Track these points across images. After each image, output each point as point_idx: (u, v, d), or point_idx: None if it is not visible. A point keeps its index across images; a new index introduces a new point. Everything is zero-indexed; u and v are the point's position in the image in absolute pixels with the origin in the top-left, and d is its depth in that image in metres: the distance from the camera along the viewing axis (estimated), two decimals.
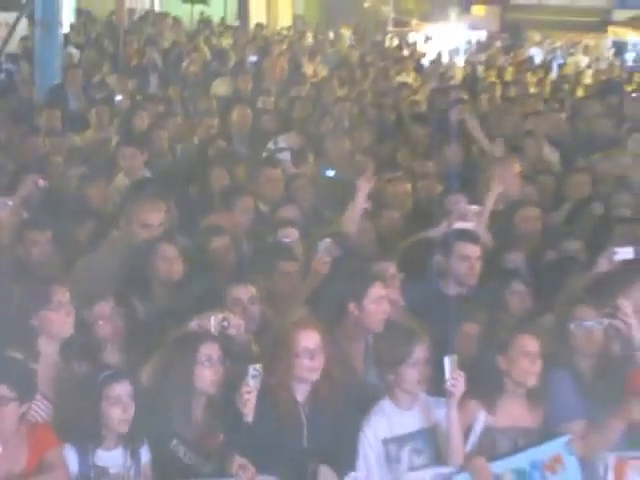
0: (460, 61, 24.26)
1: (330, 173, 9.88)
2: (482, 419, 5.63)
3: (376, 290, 6.05)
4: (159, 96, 14.34)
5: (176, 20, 24.91)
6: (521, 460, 5.58)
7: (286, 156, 10.41)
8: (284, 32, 28.11)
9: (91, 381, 5.25)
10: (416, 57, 23.23)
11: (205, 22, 27.44)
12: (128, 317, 6.00)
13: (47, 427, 5.24)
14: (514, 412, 5.72)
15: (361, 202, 7.79)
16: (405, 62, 21.28)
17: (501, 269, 7.37)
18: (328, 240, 6.73)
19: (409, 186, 9.11)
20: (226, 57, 19.08)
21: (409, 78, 18.58)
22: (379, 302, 6.03)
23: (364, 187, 7.78)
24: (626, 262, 6.76)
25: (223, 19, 30.49)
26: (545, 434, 5.75)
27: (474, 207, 7.67)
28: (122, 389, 5.18)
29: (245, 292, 6.18)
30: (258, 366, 5.25)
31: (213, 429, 5.36)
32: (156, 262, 6.63)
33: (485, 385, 5.66)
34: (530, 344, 5.68)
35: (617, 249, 6.78)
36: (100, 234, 7.47)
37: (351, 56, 21.38)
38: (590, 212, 8.64)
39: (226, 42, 23.18)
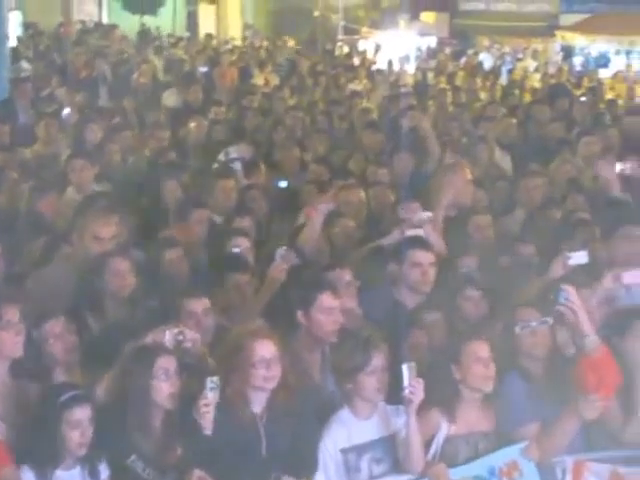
0: (410, 68, 24.37)
1: (283, 184, 9.86)
2: (444, 428, 5.63)
3: (324, 300, 6.01)
4: (109, 108, 14.24)
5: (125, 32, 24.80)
6: (479, 467, 5.59)
7: (237, 166, 10.38)
8: (234, 42, 28.09)
9: (49, 402, 5.19)
10: (366, 65, 23.30)
11: (153, 33, 27.34)
12: (80, 334, 5.93)
13: (1, 446, 5.17)
14: (471, 418, 5.74)
15: (318, 225, 7.74)
16: (356, 70, 21.35)
17: (455, 275, 7.37)
18: (285, 248, 6.71)
19: (362, 194, 9.09)
20: (176, 68, 19.05)
21: (360, 86, 18.62)
22: (328, 312, 5.99)
23: (322, 209, 7.73)
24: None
25: (172, 30, 30.41)
26: (501, 438, 5.76)
27: (427, 214, 7.66)
28: (83, 413, 5.14)
29: (199, 304, 6.13)
30: (215, 378, 5.23)
31: (171, 443, 5.32)
32: (108, 276, 6.56)
33: (442, 393, 5.66)
34: (481, 350, 5.70)
35: (571, 254, 6.79)
36: (52, 249, 7.39)
37: (302, 65, 21.40)
38: (546, 216, 8.67)
39: (176, 53, 23.12)
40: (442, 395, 5.65)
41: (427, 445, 5.58)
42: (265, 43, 28.98)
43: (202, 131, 12.09)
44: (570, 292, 5.78)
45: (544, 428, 5.75)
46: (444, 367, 5.72)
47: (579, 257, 6.73)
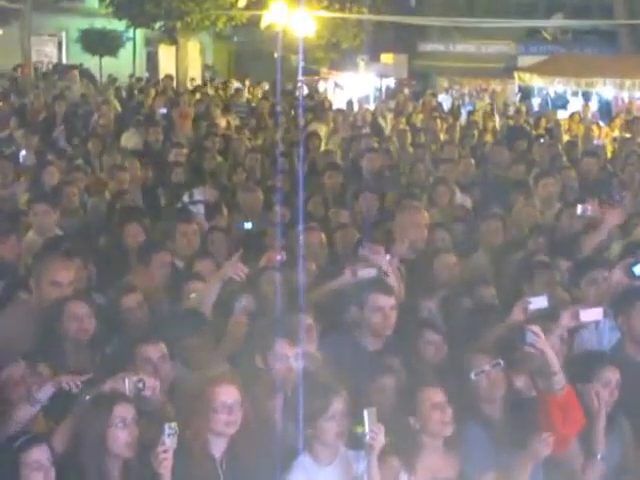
0: (370, 109, 24.49)
1: (247, 225, 9.81)
2: (404, 477, 5.60)
3: (279, 347, 6.00)
4: (68, 151, 14.17)
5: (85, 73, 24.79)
6: None
7: (199, 209, 10.33)
8: (194, 83, 28.13)
9: (7, 447, 5.09)
10: (326, 106, 23.39)
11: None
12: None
13: None
14: (434, 464, 5.71)
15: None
16: (315, 111, 21.41)
17: (415, 319, 7.36)
18: (244, 298, 6.67)
19: (323, 236, 9.08)
20: (136, 109, 19.03)
21: (320, 127, 18.67)
22: (284, 359, 5.97)
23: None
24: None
25: (132, 70, 30.43)
26: None
27: (386, 256, 7.65)
28: (41, 454, 5.05)
29: (155, 351, 6.07)
30: (173, 424, 5.17)
31: None
32: (66, 321, 6.49)
33: (402, 442, 5.63)
34: (436, 396, 5.68)
35: (531, 299, 6.80)
36: (10, 295, 7.31)
37: (262, 106, 21.45)
38: (506, 259, 8.69)
39: (136, 94, 23.11)
40: (402, 444, 5.62)
41: None
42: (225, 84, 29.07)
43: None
44: (536, 332, 5.80)
45: (503, 473, 5.73)
46: (402, 415, 5.69)
47: (539, 302, 6.74)
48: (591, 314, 6.34)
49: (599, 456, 5.96)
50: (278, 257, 7.98)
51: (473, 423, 5.87)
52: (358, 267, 7.38)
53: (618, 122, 21.55)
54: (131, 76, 29.38)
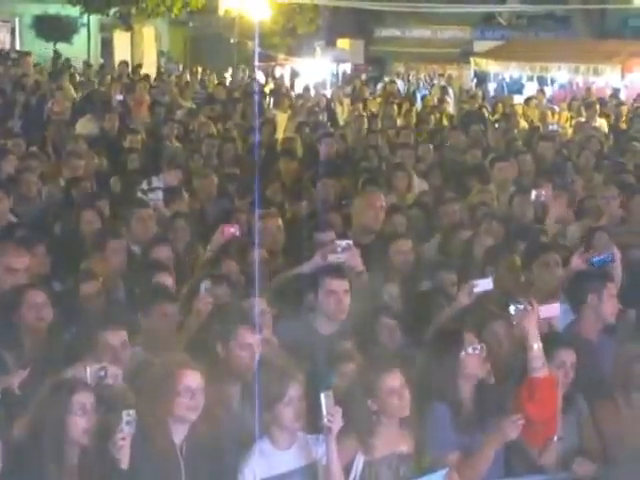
0: (327, 94, 24.47)
1: None
2: (361, 456, 5.65)
3: (241, 335, 6.01)
4: (24, 137, 14.05)
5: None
6: None
7: (158, 196, 10.28)
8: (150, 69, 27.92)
9: None
10: (283, 91, 23.35)
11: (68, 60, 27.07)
12: None
13: None
14: (390, 439, 5.75)
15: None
16: (272, 97, 21.38)
17: (373, 303, 7.40)
18: (209, 281, 6.68)
19: (280, 222, 9.09)
20: (91, 96, 18.88)
21: (277, 113, 18.65)
22: (246, 347, 5.99)
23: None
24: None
25: (87, 57, 30.18)
26: (422, 464, 5.78)
27: (346, 241, 7.68)
28: None
29: (116, 337, 6.06)
30: (132, 411, 5.18)
31: (88, 479, 5.25)
32: (24, 310, 6.46)
33: (360, 422, 5.66)
34: (395, 381, 5.70)
35: (477, 282, 6.91)
36: None
37: (219, 92, 21.37)
38: (461, 241, 8.75)
39: (91, 80, 22.92)
40: (359, 425, 5.66)
41: (346, 471, 5.58)
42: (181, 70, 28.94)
43: None
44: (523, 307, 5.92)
45: (466, 455, 5.80)
46: (360, 397, 5.72)
47: (484, 284, 6.87)
48: (549, 310, 6.45)
49: (556, 437, 6.02)
50: (232, 230, 8.00)
51: (439, 403, 5.91)
52: (328, 251, 7.43)
53: (575, 105, 21.68)
54: (85, 62, 29.11)
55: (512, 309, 5.98)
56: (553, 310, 6.48)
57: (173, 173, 11.22)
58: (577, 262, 7.55)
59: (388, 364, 5.86)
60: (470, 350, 5.96)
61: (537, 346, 5.93)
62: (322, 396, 5.42)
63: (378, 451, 5.70)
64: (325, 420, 5.41)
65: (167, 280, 7.32)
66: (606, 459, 6.14)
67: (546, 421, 5.89)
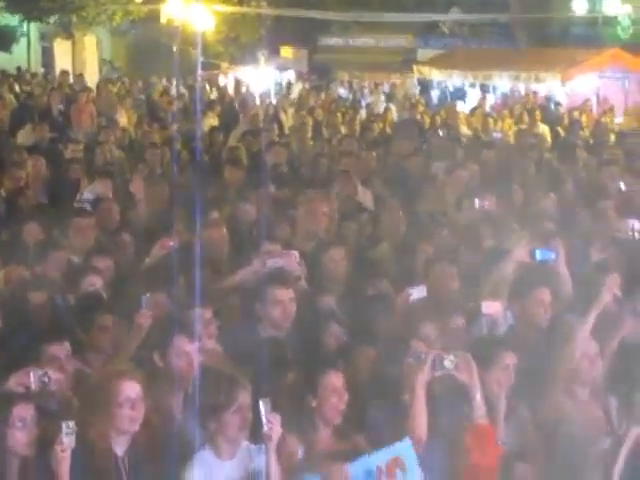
0: (271, 102, 24.47)
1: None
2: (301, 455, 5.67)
3: (178, 344, 6.01)
4: None
5: None
6: (367, 462, 5.54)
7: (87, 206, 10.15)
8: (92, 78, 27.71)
9: None
10: (227, 100, 23.30)
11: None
12: None
13: None
14: (328, 439, 5.81)
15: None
16: (215, 105, 21.31)
17: (317, 310, 7.40)
18: (149, 295, 6.64)
19: (224, 230, 9.03)
20: (30, 105, 18.72)
21: (220, 121, 18.59)
22: (183, 355, 5.98)
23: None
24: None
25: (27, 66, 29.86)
26: None
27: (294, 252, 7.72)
28: None
29: (61, 349, 6.07)
30: (72, 423, 5.12)
31: None
32: None
33: (300, 422, 5.71)
34: (337, 381, 5.80)
35: (411, 289, 7.06)
36: None
37: (162, 101, 21.27)
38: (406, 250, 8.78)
39: (33, 90, 22.70)
40: (300, 423, 5.70)
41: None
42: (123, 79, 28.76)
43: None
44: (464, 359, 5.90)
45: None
46: (301, 397, 5.78)
47: (419, 291, 7.00)
48: (492, 307, 6.54)
49: (499, 442, 6.02)
50: (170, 243, 7.98)
51: (376, 406, 5.99)
52: (267, 257, 7.43)
53: (517, 112, 21.87)
54: (19, 69, 28.82)
55: (447, 363, 5.93)
56: (496, 307, 6.54)
57: (103, 183, 11.14)
58: (520, 254, 7.60)
59: (332, 366, 5.92)
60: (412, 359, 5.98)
61: (479, 396, 5.93)
62: (261, 403, 5.40)
63: (317, 449, 5.70)
64: (265, 428, 5.38)
65: (98, 283, 7.33)
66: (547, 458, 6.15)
67: (489, 468, 5.88)
